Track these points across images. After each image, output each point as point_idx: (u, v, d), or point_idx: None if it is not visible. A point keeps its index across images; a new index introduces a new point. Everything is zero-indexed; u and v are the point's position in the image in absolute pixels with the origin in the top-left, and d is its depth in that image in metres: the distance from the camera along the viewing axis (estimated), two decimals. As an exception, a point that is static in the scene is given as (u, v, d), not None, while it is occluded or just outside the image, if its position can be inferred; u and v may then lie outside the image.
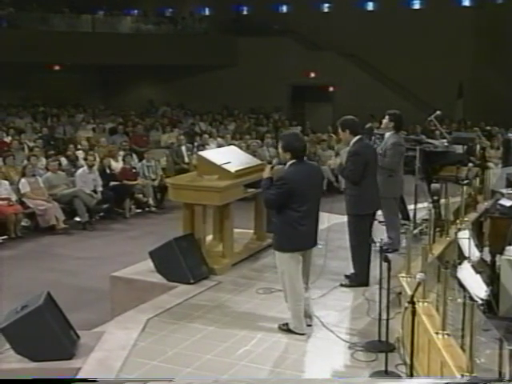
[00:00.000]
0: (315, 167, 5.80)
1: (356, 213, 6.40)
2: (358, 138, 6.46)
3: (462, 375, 3.52)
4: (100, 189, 11.58)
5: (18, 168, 11.46)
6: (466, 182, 7.34)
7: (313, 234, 5.45)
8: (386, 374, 4.60)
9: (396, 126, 7.50)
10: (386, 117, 7.60)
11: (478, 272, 4.45)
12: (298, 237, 5.29)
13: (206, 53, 22.35)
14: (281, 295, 6.05)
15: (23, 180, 10.75)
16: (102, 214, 11.66)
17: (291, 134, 5.75)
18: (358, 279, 6.46)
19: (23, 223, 10.62)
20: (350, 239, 6.51)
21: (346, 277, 6.59)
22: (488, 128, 17.26)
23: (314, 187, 5.42)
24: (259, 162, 8.11)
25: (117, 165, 12.75)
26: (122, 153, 13.33)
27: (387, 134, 7.56)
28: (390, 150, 7.36)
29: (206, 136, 15.66)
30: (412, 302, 4.23)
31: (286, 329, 5.49)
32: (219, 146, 13.82)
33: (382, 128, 7.68)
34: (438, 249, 5.81)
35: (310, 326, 5.55)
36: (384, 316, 4.89)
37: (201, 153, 8.14)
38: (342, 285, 6.53)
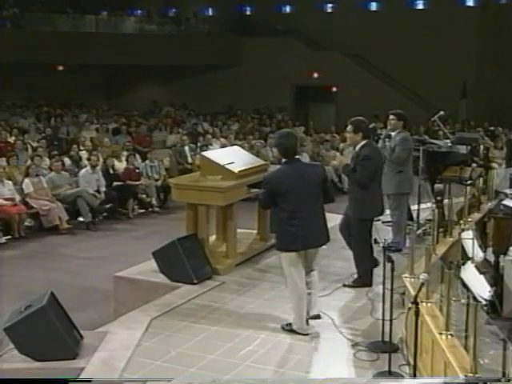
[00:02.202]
0: (311, 167, 5.68)
1: (361, 217, 6.37)
2: (366, 141, 6.42)
3: (466, 376, 3.52)
4: (103, 189, 11.61)
5: (21, 168, 11.49)
6: (469, 182, 7.34)
7: (310, 235, 5.32)
8: (390, 374, 4.60)
9: (404, 124, 7.58)
10: (392, 117, 7.60)
11: (481, 272, 4.45)
12: (289, 237, 5.28)
13: (210, 53, 22.36)
14: (284, 295, 6.07)
15: (27, 180, 10.77)
16: (105, 214, 11.68)
17: (280, 133, 5.64)
18: (362, 280, 6.46)
19: (27, 223, 10.64)
20: (353, 242, 6.50)
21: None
22: (491, 128, 17.24)
23: (305, 187, 5.27)
24: (262, 162, 8.12)
25: (120, 165, 12.77)
26: (125, 153, 13.35)
27: (394, 133, 7.59)
28: (398, 145, 7.40)
29: (209, 136, 15.68)
30: (415, 303, 4.22)
31: (289, 329, 5.48)
32: (222, 146, 13.83)
33: (391, 128, 7.68)
34: (441, 249, 5.80)
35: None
36: (387, 316, 4.89)
37: (204, 153, 8.15)
38: (345, 285, 6.52)
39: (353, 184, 6.54)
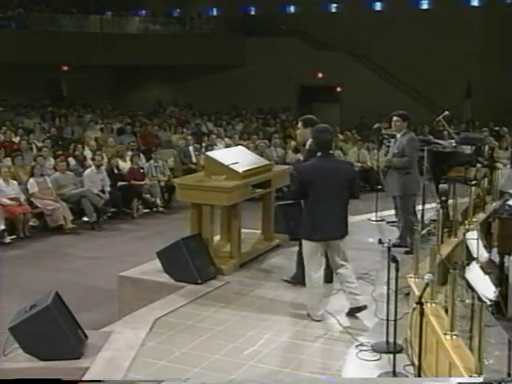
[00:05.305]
0: (341, 164, 5.93)
1: None
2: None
3: (471, 376, 3.51)
4: (108, 189, 11.62)
5: (26, 168, 11.51)
6: (474, 182, 7.31)
7: (330, 228, 5.52)
8: (394, 374, 4.59)
9: (408, 125, 7.58)
10: (397, 118, 7.59)
11: (486, 273, 4.44)
12: (310, 226, 5.53)
13: (214, 53, 22.38)
14: (289, 296, 6.08)
15: (31, 180, 10.79)
16: (109, 213, 11.69)
17: (318, 127, 5.89)
18: (300, 280, 6.46)
19: (31, 223, 10.66)
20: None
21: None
22: (496, 128, 17.17)
23: (332, 182, 5.50)
24: (267, 162, 8.12)
25: (124, 165, 12.79)
26: (129, 153, 13.37)
27: (399, 134, 7.57)
28: (407, 146, 7.40)
29: (214, 136, 15.69)
30: (420, 303, 4.22)
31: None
32: (227, 146, 13.83)
33: (396, 130, 7.66)
34: (446, 249, 5.79)
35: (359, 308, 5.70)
36: (392, 317, 4.88)
37: (208, 153, 8.15)
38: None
39: None
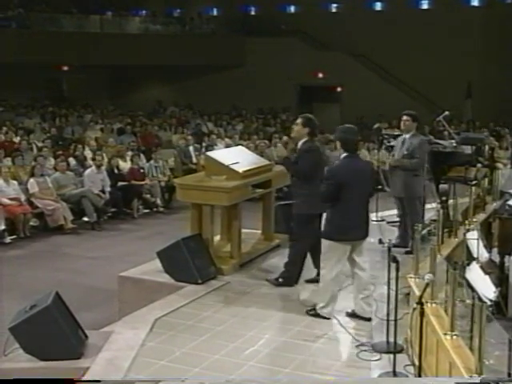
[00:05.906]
0: (365, 163, 6.07)
1: (305, 212, 6.35)
2: (307, 139, 6.45)
3: (471, 376, 3.51)
4: (108, 189, 11.62)
5: (26, 168, 11.51)
6: (474, 182, 7.31)
7: (358, 228, 5.60)
8: (395, 374, 4.59)
9: (417, 126, 7.57)
10: (407, 117, 7.54)
11: (486, 273, 4.44)
12: (339, 227, 5.54)
13: (214, 53, 22.38)
14: (289, 296, 6.08)
15: (32, 180, 10.79)
16: (109, 214, 11.69)
17: (344, 128, 5.89)
18: (284, 283, 6.48)
19: (32, 223, 10.66)
20: (292, 240, 6.61)
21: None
22: (497, 128, 17.19)
23: (361, 182, 5.56)
24: (267, 162, 8.12)
25: (125, 165, 12.79)
26: (130, 153, 13.37)
27: (408, 135, 7.55)
28: (418, 149, 7.37)
29: (214, 136, 15.69)
30: (420, 303, 4.22)
31: (313, 313, 5.70)
32: (227, 146, 13.83)
33: (405, 130, 7.63)
34: (446, 250, 5.79)
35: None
36: (392, 317, 4.88)
37: (209, 153, 8.16)
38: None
39: (297, 178, 6.51)
